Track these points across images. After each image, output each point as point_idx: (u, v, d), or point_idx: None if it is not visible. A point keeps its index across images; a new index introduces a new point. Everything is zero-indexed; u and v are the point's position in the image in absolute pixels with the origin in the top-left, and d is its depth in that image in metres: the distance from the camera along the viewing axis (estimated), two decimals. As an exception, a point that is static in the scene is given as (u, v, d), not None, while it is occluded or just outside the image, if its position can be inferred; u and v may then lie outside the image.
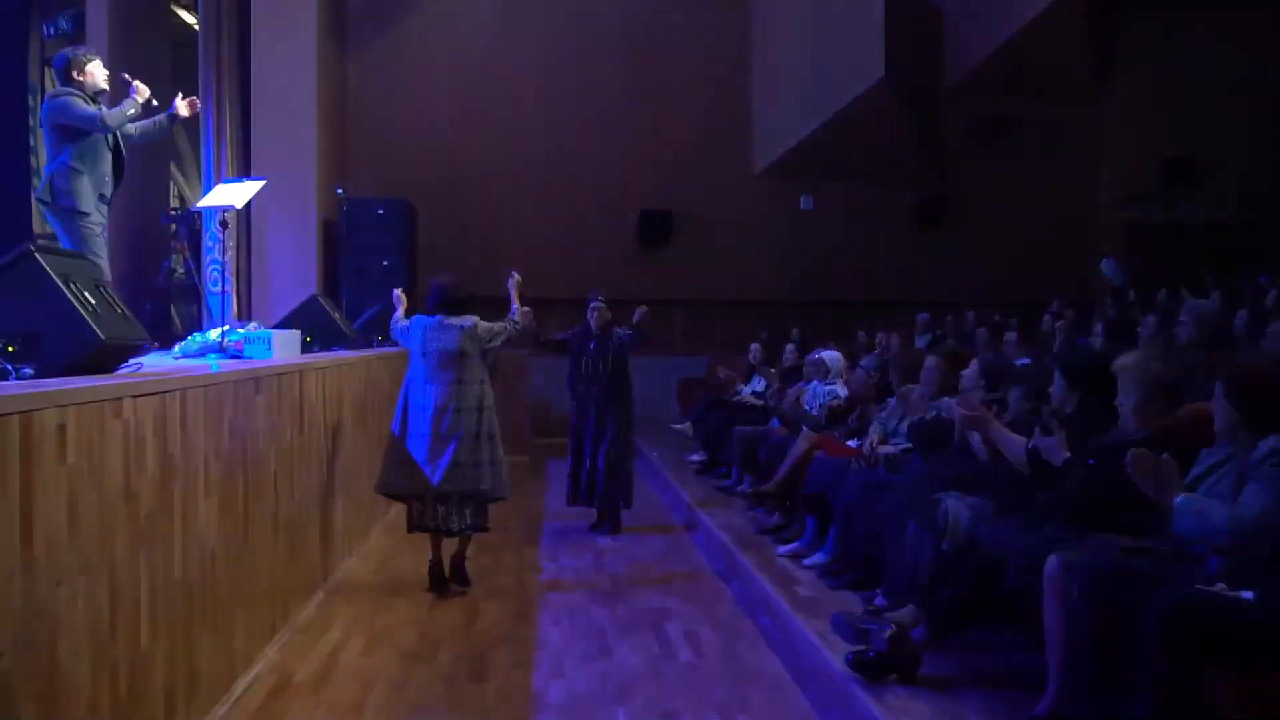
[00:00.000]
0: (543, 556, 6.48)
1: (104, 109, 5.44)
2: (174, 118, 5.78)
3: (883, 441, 5.57)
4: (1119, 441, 3.48)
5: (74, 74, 5.40)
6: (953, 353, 5.77)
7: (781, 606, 4.72)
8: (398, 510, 7.84)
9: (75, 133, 5.32)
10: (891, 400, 6.13)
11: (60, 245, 5.38)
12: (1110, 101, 15.23)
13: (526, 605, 5.32)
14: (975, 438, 4.39)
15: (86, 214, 5.35)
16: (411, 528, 5.60)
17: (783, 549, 5.71)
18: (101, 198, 5.50)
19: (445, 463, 5.36)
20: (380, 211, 11.58)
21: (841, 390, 6.97)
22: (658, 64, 14.04)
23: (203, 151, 11.10)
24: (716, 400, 9.64)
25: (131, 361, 3.77)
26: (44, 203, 5.38)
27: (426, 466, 5.40)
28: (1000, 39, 13.72)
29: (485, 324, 5.57)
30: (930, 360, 5.64)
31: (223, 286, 10.43)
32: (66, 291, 3.41)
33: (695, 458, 9.78)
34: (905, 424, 5.60)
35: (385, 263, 11.53)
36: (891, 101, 13.34)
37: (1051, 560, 3.12)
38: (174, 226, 11.07)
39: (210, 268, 10.70)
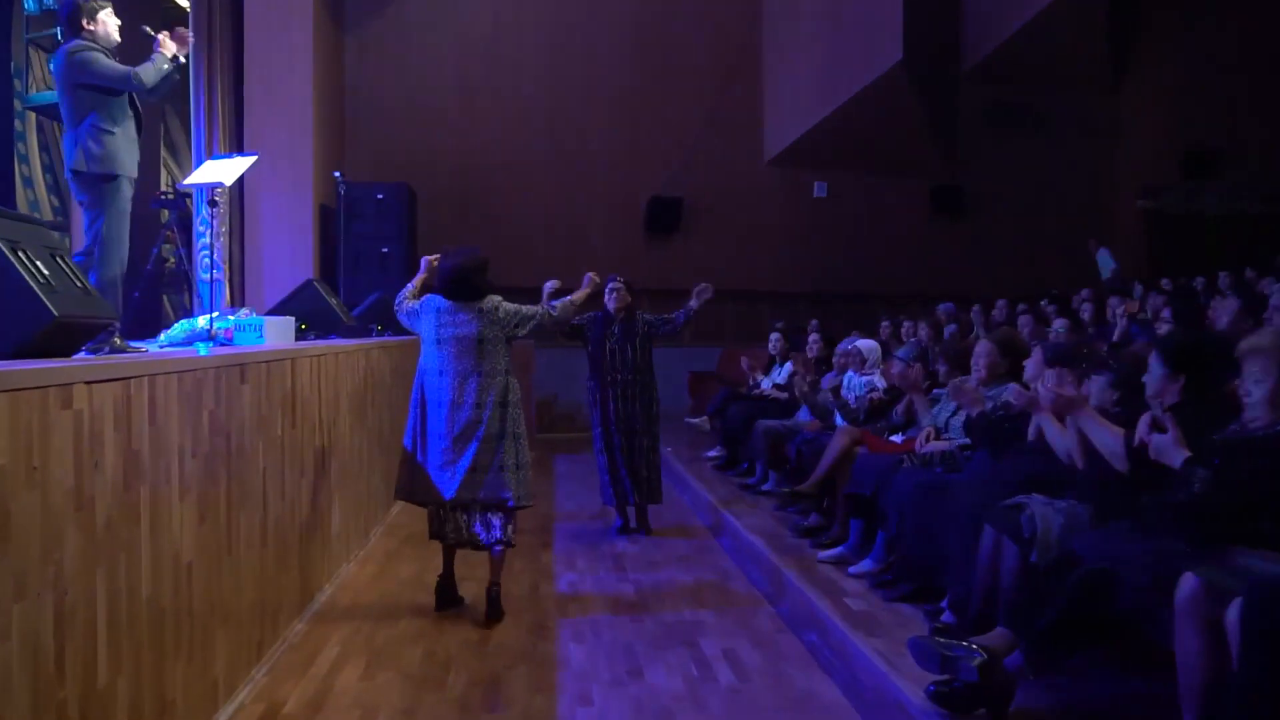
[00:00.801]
0: (558, 562, 5.96)
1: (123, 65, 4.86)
2: (175, 61, 5.20)
3: (934, 437, 5.07)
4: (1251, 436, 2.97)
5: (84, 23, 4.78)
6: (1006, 339, 5.26)
7: (832, 622, 4.20)
8: (399, 510, 7.35)
9: (99, 93, 4.74)
10: (938, 391, 5.64)
11: (88, 223, 4.83)
12: (1130, 90, 14.89)
13: (544, 618, 4.80)
14: (1054, 433, 3.88)
15: (122, 179, 4.74)
16: (432, 534, 4.94)
17: (824, 554, 5.19)
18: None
19: (463, 467, 4.68)
20: (379, 197, 11.10)
21: (879, 381, 6.46)
22: (667, 45, 13.56)
23: (193, 134, 10.56)
24: (734, 393, 9.13)
25: (94, 344, 3.25)
26: (78, 173, 4.76)
27: (442, 473, 4.72)
28: (1019, 24, 13.28)
29: (510, 306, 4.87)
30: (983, 346, 5.13)
31: (213, 273, 9.92)
32: (13, 260, 2.89)
33: (713, 454, 9.28)
34: (956, 417, 5.11)
35: (384, 250, 11.07)
36: (908, 86, 12.86)
37: (1188, 580, 2.62)
38: (164, 212, 10.53)
39: (201, 253, 10.18)
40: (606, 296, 6.69)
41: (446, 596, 4.94)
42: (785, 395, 8.28)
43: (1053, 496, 3.65)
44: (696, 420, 9.09)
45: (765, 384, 8.86)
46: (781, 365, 9.02)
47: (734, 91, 13.83)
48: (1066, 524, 3.43)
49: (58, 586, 2.38)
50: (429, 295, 4.94)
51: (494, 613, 4.73)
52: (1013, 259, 14.15)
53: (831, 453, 5.54)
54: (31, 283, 2.87)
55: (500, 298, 4.89)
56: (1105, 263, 13.48)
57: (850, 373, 6.73)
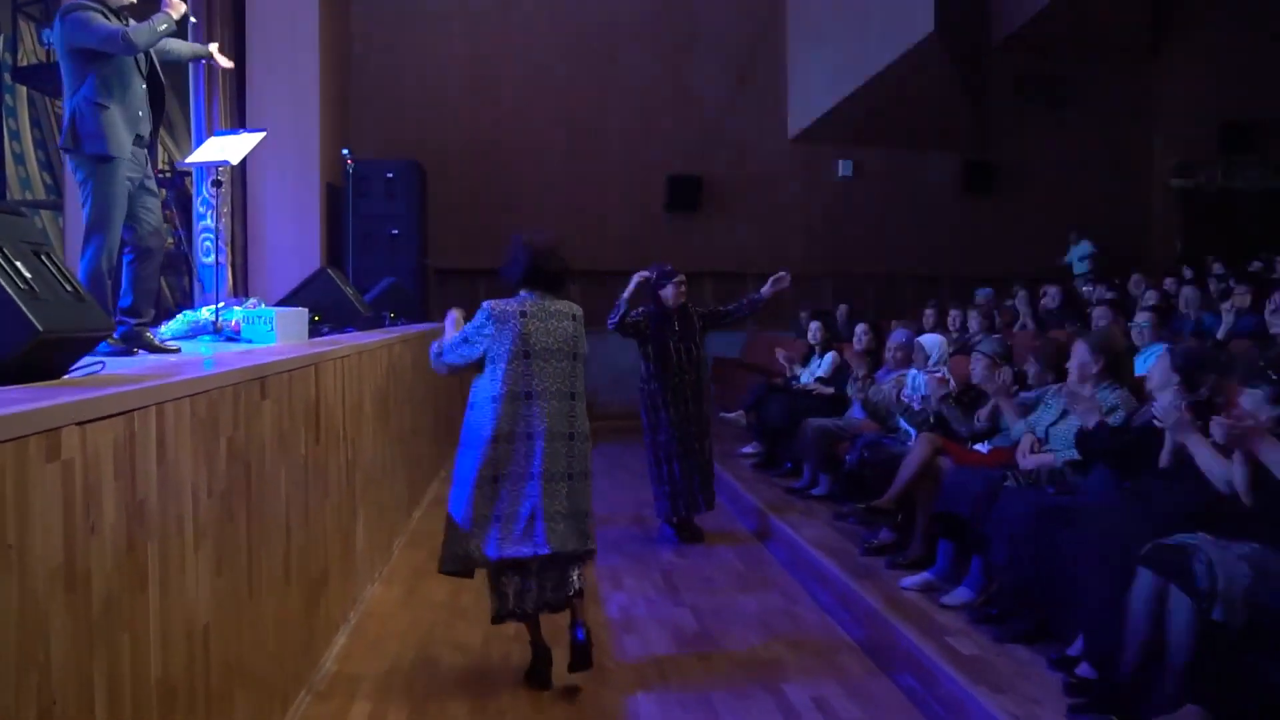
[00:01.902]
0: (602, 579, 5.39)
1: (130, 24, 4.30)
2: (210, 59, 4.68)
3: (1036, 448, 4.52)
4: None
5: None
6: (1105, 339, 4.69)
7: (939, 667, 3.66)
8: (420, 516, 6.81)
9: (96, 57, 4.18)
10: (1025, 395, 5.08)
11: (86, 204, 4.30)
12: (1166, 62, 14.31)
13: (601, 656, 4.21)
14: (1206, 458, 3.33)
15: (115, 160, 4.19)
16: (505, 615, 3.84)
17: (909, 581, 4.63)
18: (139, 139, 4.35)
19: (562, 514, 3.74)
20: (389, 175, 10.55)
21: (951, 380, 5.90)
22: (687, 16, 12.97)
23: (192, 110, 9.94)
24: (771, 385, 8.55)
25: (87, 361, 2.68)
26: (68, 151, 4.24)
27: (527, 524, 3.72)
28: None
29: None
30: (1082, 348, 4.57)
31: (216, 257, 9.37)
32: (-13, 261, 2.33)
33: (747, 450, 8.74)
34: (1059, 427, 4.55)
35: (394, 231, 10.52)
36: (940, 59, 12.32)
37: None
38: (161, 191, 9.94)
39: (202, 236, 9.61)
40: (669, 290, 6.15)
41: (545, 668, 3.93)
42: (831, 390, 7.72)
43: (1217, 535, 3.10)
44: (731, 415, 8.51)
45: (805, 377, 8.29)
46: (821, 356, 8.46)
47: (757, 65, 13.25)
48: (1255, 575, 2.88)
49: (42, 697, 1.82)
50: (492, 301, 3.83)
51: (583, 659, 3.86)
52: (1046, 238, 13.61)
53: (911, 464, 4.97)
54: (10, 290, 2.30)
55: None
56: (1083, 252, 12.91)
57: (914, 371, 6.17)
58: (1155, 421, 3.70)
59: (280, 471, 3.46)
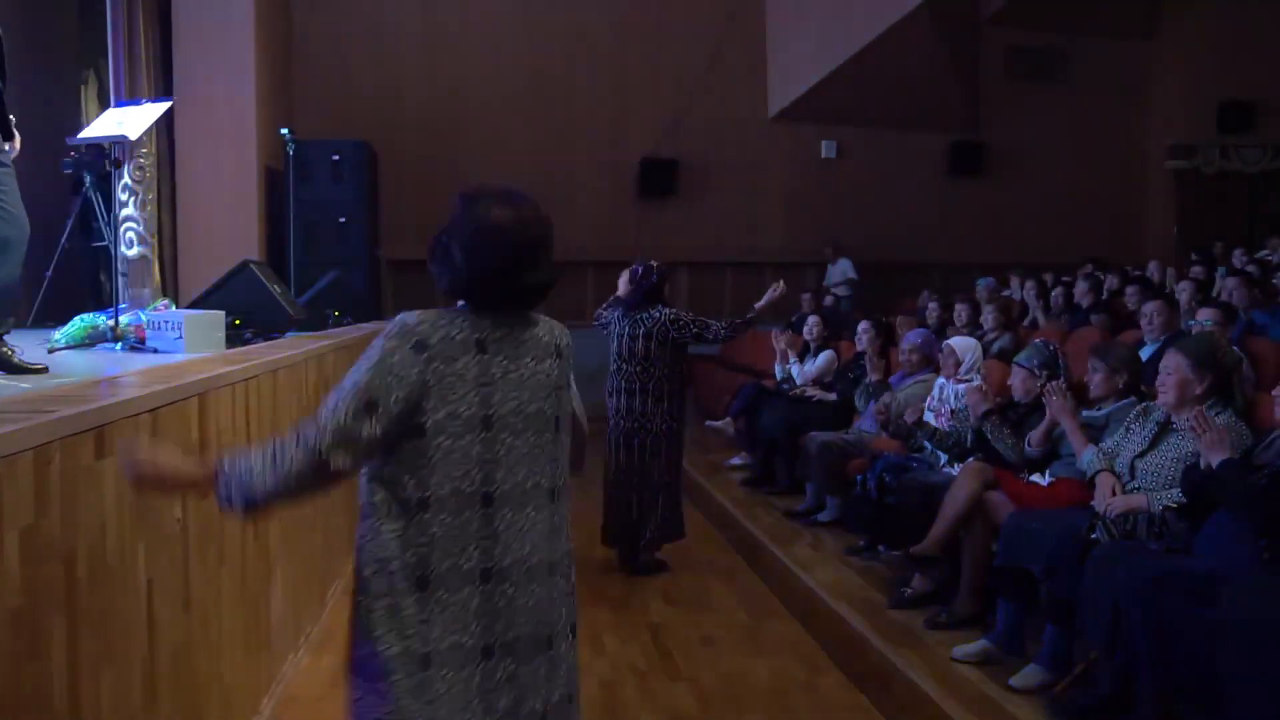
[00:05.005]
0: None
1: None
2: None
3: (1120, 488, 3.62)
4: None
5: None
6: (1207, 349, 3.74)
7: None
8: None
9: None
10: (1088, 414, 4.18)
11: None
12: (1163, 38, 13.60)
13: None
14: None
15: None
16: None
17: (961, 650, 3.73)
18: None
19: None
20: (335, 157, 9.53)
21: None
22: (661, -12, 12.03)
23: (111, 84, 8.86)
24: (765, 390, 7.59)
25: None
26: None
27: None
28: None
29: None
30: (1180, 361, 3.62)
31: (137, 248, 8.36)
32: None
33: (735, 461, 7.83)
34: (1148, 460, 3.65)
35: (341, 219, 9.53)
36: (928, 33, 11.56)
37: None
38: (84, 174, 8.86)
39: (125, 226, 8.56)
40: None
41: None
42: (833, 396, 6.81)
43: None
44: (717, 423, 7.53)
45: (796, 372, 7.34)
46: (816, 355, 7.55)
47: (735, 40, 12.32)
48: None
49: None
50: (418, 315, 1.96)
51: None
52: (1040, 222, 12.99)
53: (957, 500, 4.05)
54: None
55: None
56: (842, 274, 12.13)
57: (941, 380, 5.26)
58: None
59: (137, 558, 2.48)
